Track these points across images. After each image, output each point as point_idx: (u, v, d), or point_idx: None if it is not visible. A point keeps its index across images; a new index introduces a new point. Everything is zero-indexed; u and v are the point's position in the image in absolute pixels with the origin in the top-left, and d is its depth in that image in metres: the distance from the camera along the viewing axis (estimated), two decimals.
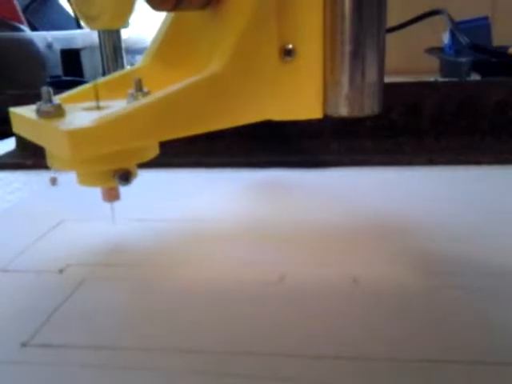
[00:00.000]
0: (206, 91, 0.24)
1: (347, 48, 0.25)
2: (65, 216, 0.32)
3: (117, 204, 0.31)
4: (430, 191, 0.35)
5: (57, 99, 0.25)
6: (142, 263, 0.26)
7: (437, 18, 0.63)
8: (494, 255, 0.25)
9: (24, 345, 0.19)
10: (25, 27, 0.86)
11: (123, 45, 0.56)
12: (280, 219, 0.31)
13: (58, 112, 0.24)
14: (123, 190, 0.29)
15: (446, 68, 0.68)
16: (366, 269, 0.24)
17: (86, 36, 0.85)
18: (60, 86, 0.57)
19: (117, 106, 0.25)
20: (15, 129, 0.27)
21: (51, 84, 0.58)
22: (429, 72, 0.68)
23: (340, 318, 0.20)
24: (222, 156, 0.42)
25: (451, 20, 0.61)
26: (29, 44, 0.80)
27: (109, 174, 0.25)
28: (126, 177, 0.25)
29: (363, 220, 0.30)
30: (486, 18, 0.68)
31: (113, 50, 0.55)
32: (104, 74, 0.56)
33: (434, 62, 0.71)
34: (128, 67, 0.73)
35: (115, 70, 0.55)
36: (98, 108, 0.25)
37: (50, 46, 0.81)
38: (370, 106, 0.26)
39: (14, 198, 0.36)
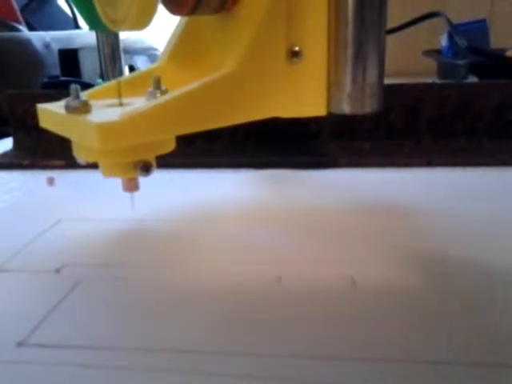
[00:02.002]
0: (220, 89, 0.26)
1: (350, 50, 0.27)
2: (61, 216, 0.32)
3: (116, 204, 0.31)
4: (428, 192, 0.35)
5: (83, 96, 0.26)
6: (139, 263, 0.26)
7: (435, 20, 0.63)
8: (493, 256, 0.25)
9: (20, 344, 0.19)
10: (23, 27, 0.86)
11: (121, 45, 0.55)
12: (278, 219, 0.31)
13: (85, 108, 0.26)
14: (121, 190, 0.29)
15: (444, 70, 0.68)
16: (364, 269, 0.24)
17: (84, 36, 0.85)
18: (58, 86, 0.57)
19: (137, 102, 0.27)
20: (42, 124, 0.29)
21: (49, 84, 0.57)
22: (426, 74, 0.68)
23: (339, 317, 0.20)
24: (220, 156, 0.42)
25: (449, 22, 0.61)
26: (26, 44, 0.79)
27: (130, 165, 0.27)
28: (146, 168, 0.27)
29: (361, 221, 0.30)
30: (484, 21, 0.68)
31: (111, 51, 0.55)
32: (102, 74, 0.56)
33: (431, 64, 0.71)
34: (126, 68, 0.73)
35: (113, 70, 0.55)
36: (121, 104, 0.27)
37: (47, 46, 0.81)
38: (370, 105, 0.28)
39: (10, 198, 0.36)
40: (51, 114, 0.28)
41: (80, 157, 0.28)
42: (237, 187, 0.37)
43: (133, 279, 0.24)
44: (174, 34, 0.31)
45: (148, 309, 0.21)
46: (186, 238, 0.29)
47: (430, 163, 0.40)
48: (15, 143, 0.46)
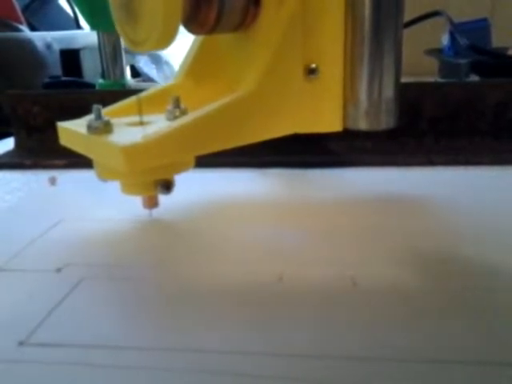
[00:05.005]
0: (241, 108, 0.27)
1: (366, 67, 0.27)
2: (63, 216, 0.32)
3: (118, 204, 0.31)
4: (429, 191, 0.34)
5: (104, 115, 0.27)
6: (140, 263, 0.26)
7: (436, 19, 0.63)
8: (495, 255, 0.25)
9: (21, 344, 0.19)
10: (24, 27, 0.86)
11: (123, 45, 0.56)
12: (278, 218, 0.31)
13: (107, 128, 0.26)
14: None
15: (445, 69, 0.68)
16: (364, 269, 0.24)
17: (85, 36, 0.85)
18: (59, 86, 0.57)
19: (157, 121, 0.28)
20: (62, 141, 0.29)
21: (50, 84, 0.57)
22: (428, 73, 0.68)
23: (339, 317, 0.20)
24: (223, 156, 0.42)
25: (451, 21, 0.61)
26: (28, 44, 0.79)
27: (151, 183, 0.27)
28: (167, 186, 0.27)
29: (362, 220, 0.30)
30: (485, 20, 0.68)
31: (112, 51, 0.55)
32: (104, 74, 0.56)
33: (433, 63, 0.71)
34: (128, 68, 0.73)
35: (115, 70, 0.55)
36: (141, 123, 0.28)
37: (49, 46, 0.81)
38: (386, 121, 0.28)
39: (12, 198, 0.36)
40: (72, 133, 0.28)
41: (101, 176, 0.28)
42: (239, 186, 0.37)
43: (134, 279, 0.24)
44: (190, 52, 0.31)
45: (149, 308, 0.22)
46: (187, 237, 0.29)
47: (431, 162, 0.40)
48: (17, 143, 0.47)
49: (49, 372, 0.17)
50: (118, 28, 0.27)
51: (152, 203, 0.30)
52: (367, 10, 0.26)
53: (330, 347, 0.18)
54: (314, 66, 0.27)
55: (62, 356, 0.18)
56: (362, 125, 0.28)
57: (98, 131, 0.26)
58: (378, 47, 0.27)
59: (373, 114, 0.28)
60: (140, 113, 0.28)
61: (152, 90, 0.31)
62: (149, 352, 0.18)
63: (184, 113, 0.27)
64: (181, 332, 0.20)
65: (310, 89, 0.28)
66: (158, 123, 0.27)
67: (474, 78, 0.58)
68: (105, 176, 0.28)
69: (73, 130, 0.28)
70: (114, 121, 0.27)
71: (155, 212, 0.32)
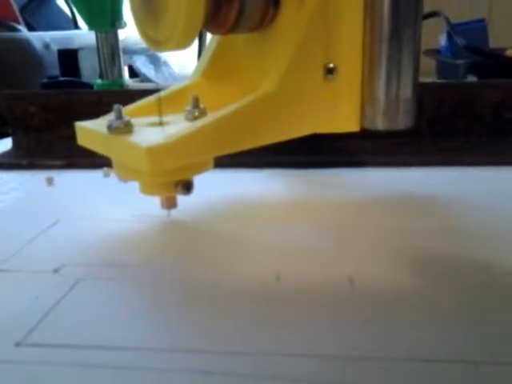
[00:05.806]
0: (261, 109, 0.26)
1: (384, 67, 0.27)
2: (60, 216, 0.32)
3: (114, 203, 0.31)
4: (427, 192, 0.35)
5: (126, 115, 0.26)
6: (137, 263, 0.26)
7: (434, 19, 0.63)
8: (493, 255, 0.25)
9: (18, 344, 0.19)
10: (22, 27, 0.86)
11: (121, 45, 0.56)
12: (278, 218, 0.31)
13: (127, 128, 0.26)
14: (124, 186, 0.29)
15: (443, 70, 0.68)
16: (362, 268, 0.24)
17: (83, 36, 0.85)
18: (57, 86, 0.57)
19: (176, 121, 0.28)
20: (80, 141, 0.29)
21: (48, 84, 0.57)
22: (425, 74, 0.68)
23: (337, 317, 0.20)
24: (228, 156, 0.42)
25: (448, 22, 0.62)
26: (26, 44, 0.79)
27: (171, 184, 0.27)
28: (187, 187, 0.27)
29: (361, 220, 0.30)
30: (482, 20, 0.68)
31: (110, 51, 0.55)
32: (101, 74, 0.56)
33: (430, 63, 0.71)
34: (126, 68, 0.73)
35: (113, 70, 0.55)
36: (161, 123, 0.27)
37: (47, 46, 0.81)
38: (404, 121, 0.28)
39: (9, 198, 0.36)
40: (91, 132, 0.28)
41: (120, 175, 0.28)
42: (239, 186, 0.37)
43: (131, 279, 0.24)
44: (207, 51, 0.31)
45: (146, 308, 0.21)
46: (186, 237, 0.29)
47: (429, 163, 0.40)
48: (14, 143, 0.46)
49: (46, 373, 0.17)
50: (137, 28, 0.26)
51: (171, 204, 0.30)
52: (386, 10, 0.26)
53: (327, 346, 0.18)
54: (332, 65, 0.27)
55: (58, 357, 0.18)
56: (380, 125, 0.28)
57: (118, 131, 0.26)
58: (397, 47, 0.27)
59: (391, 113, 0.28)
60: (160, 113, 0.28)
61: (169, 89, 0.31)
62: (145, 352, 0.18)
63: (203, 113, 0.27)
64: (178, 332, 0.20)
65: (328, 88, 0.28)
66: (178, 123, 0.27)
67: (472, 78, 0.58)
68: (125, 176, 0.28)
69: (92, 130, 0.27)
70: (133, 121, 0.27)
71: (152, 211, 0.32)
